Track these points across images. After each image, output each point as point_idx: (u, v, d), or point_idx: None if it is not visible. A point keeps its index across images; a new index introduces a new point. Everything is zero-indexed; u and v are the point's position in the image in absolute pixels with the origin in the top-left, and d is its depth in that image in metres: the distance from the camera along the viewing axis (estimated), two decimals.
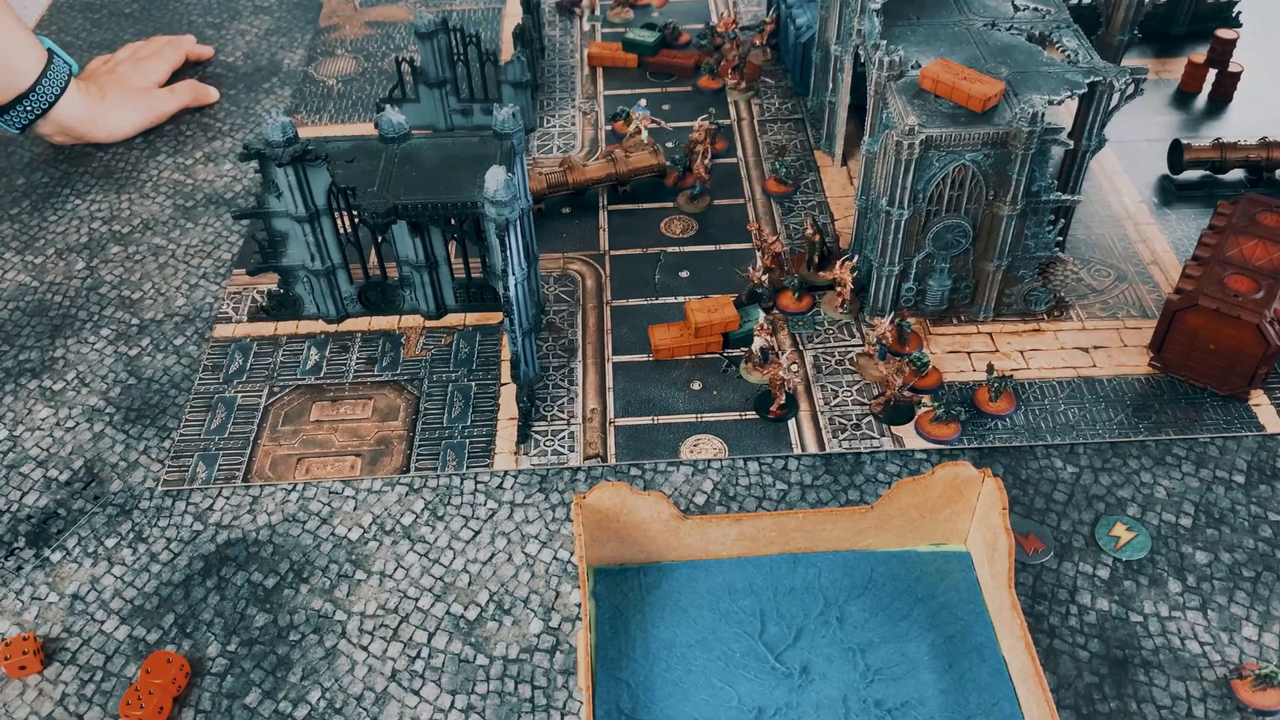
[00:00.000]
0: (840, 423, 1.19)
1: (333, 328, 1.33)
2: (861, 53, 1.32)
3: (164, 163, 1.60)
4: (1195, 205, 1.46)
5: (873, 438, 1.17)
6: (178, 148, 1.63)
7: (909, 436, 1.17)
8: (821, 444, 1.17)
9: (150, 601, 1.05)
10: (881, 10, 1.29)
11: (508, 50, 1.79)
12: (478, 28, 1.85)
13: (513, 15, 1.89)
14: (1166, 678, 0.97)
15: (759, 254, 1.32)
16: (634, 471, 1.15)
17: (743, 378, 1.25)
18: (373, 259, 1.36)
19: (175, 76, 1.75)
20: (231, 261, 1.43)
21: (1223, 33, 1.63)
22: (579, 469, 1.16)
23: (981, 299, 1.28)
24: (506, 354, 1.27)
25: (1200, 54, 1.67)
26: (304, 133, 1.45)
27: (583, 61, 1.78)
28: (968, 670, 0.95)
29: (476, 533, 1.10)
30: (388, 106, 1.41)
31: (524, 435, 1.18)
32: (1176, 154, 1.49)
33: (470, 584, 1.05)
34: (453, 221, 1.22)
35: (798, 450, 1.16)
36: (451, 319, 1.33)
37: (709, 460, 1.16)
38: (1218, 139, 1.49)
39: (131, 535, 1.10)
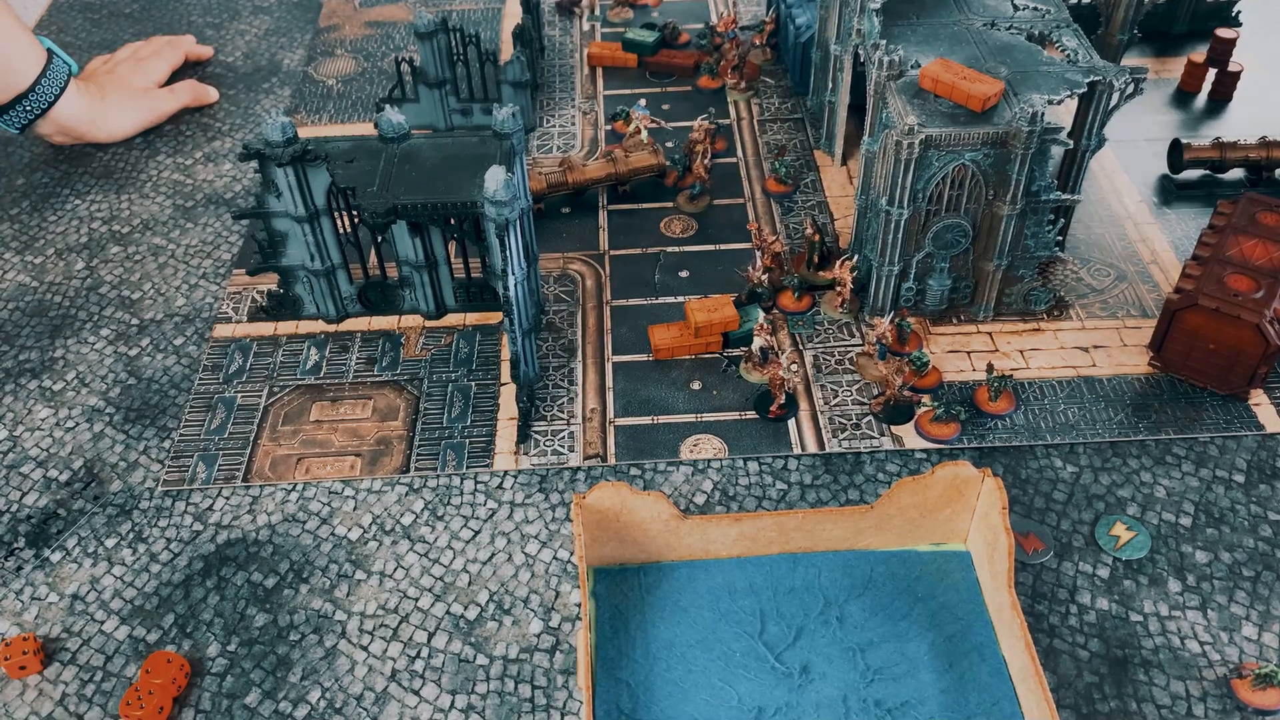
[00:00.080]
0: (840, 422, 1.19)
1: (332, 328, 1.33)
2: (861, 52, 1.32)
3: (164, 163, 1.60)
4: (1195, 205, 1.46)
5: (873, 437, 1.17)
6: (177, 148, 1.63)
7: (909, 436, 1.17)
8: (821, 444, 1.17)
9: (150, 601, 1.05)
10: (881, 10, 1.29)
11: (507, 50, 1.79)
12: (477, 28, 1.85)
13: (512, 15, 1.89)
14: (1166, 677, 0.97)
15: (759, 254, 1.32)
16: (634, 471, 1.15)
17: (742, 377, 1.25)
18: (372, 259, 1.36)
19: (175, 76, 1.75)
20: (231, 261, 1.43)
21: (1222, 32, 1.63)
22: (579, 469, 1.16)
23: (981, 299, 1.28)
24: (506, 354, 1.27)
25: (1200, 53, 1.67)
26: (304, 133, 1.45)
27: (582, 61, 1.78)
28: (968, 670, 0.95)
29: (476, 533, 1.10)
30: (387, 106, 1.41)
31: (524, 435, 1.18)
32: (1176, 153, 1.49)
33: (470, 584, 1.05)
34: (452, 221, 1.22)
35: (798, 450, 1.16)
36: (451, 319, 1.33)
37: (709, 460, 1.16)
38: (1217, 138, 1.49)
39: (131, 535, 1.11)
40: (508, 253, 1.11)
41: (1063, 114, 1.38)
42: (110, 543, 1.10)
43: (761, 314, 1.25)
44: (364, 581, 1.06)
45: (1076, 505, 1.11)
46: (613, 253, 1.42)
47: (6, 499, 1.15)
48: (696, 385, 1.24)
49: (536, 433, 1.19)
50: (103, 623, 1.03)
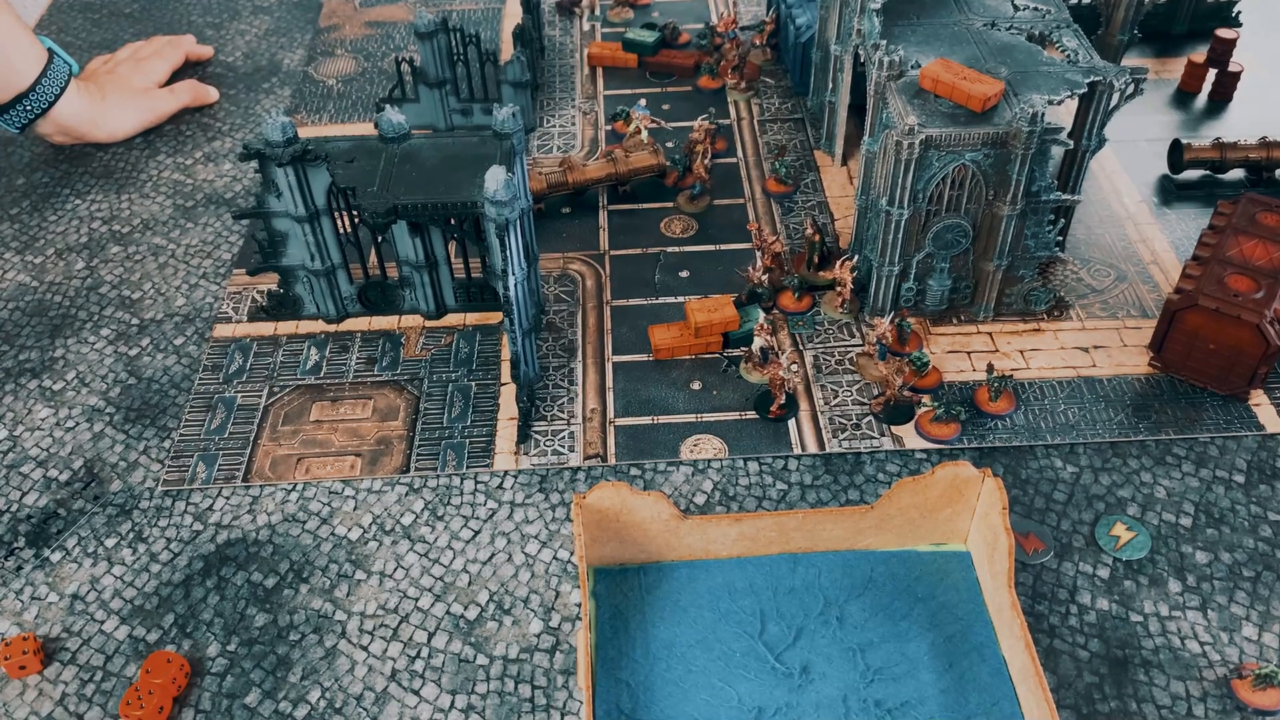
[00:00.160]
0: (840, 422, 1.19)
1: (333, 328, 1.33)
2: (861, 52, 1.32)
3: (164, 163, 1.60)
4: (1195, 205, 1.46)
5: (873, 437, 1.17)
6: (178, 148, 1.63)
7: (909, 436, 1.17)
8: (821, 444, 1.17)
9: (150, 601, 1.05)
10: (881, 10, 1.29)
11: (507, 50, 1.79)
12: (477, 28, 1.85)
13: (512, 15, 1.89)
14: (1166, 677, 0.97)
15: (759, 254, 1.32)
16: (634, 471, 1.15)
17: (743, 378, 1.25)
18: (373, 259, 1.36)
19: (175, 76, 1.75)
20: (231, 261, 1.43)
21: (1223, 32, 1.63)
22: (579, 469, 1.16)
23: (981, 299, 1.28)
24: (506, 354, 1.27)
25: (1200, 54, 1.67)
26: (304, 133, 1.45)
27: (583, 61, 1.78)
28: (968, 670, 0.95)
29: (476, 533, 1.10)
30: (388, 106, 1.41)
31: (524, 435, 1.18)
32: (1176, 154, 1.49)
33: (470, 584, 1.05)
34: (453, 221, 1.22)
35: (798, 450, 1.16)
36: (451, 319, 1.33)
37: (709, 460, 1.16)
38: (1218, 139, 1.49)
39: (131, 535, 1.10)
40: (508, 253, 1.11)
41: (1063, 114, 1.38)
42: (110, 542, 1.10)
43: (762, 314, 1.25)
44: (364, 581, 1.06)
45: (1076, 505, 1.11)
46: (613, 253, 1.42)
47: (6, 499, 1.15)
48: (697, 385, 1.24)
49: (536, 433, 1.19)
50: (103, 622, 1.03)
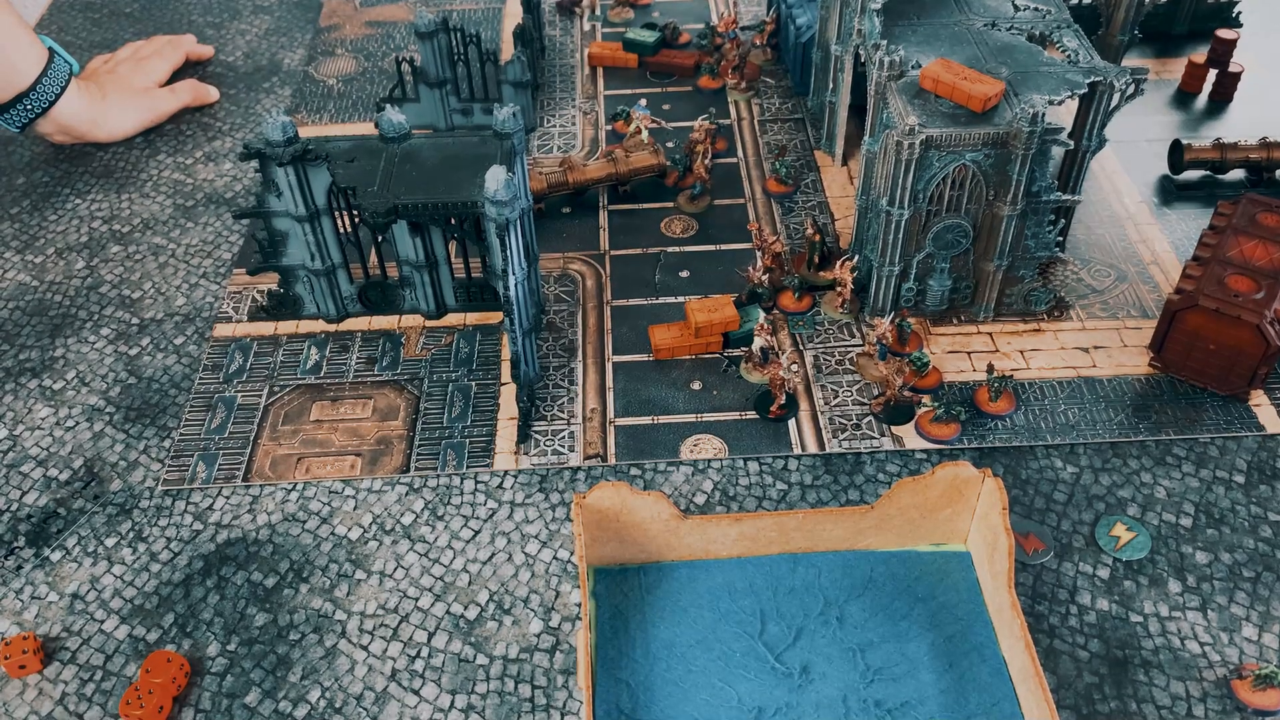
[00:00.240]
0: (840, 423, 1.19)
1: (333, 327, 1.33)
2: (862, 53, 1.32)
3: (164, 162, 1.60)
4: (1195, 205, 1.46)
5: (873, 438, 1.17)
6: (178, 147, 1.63)
7: (909, 436, 1.17)
8: (821, 444, 1.17)
9: (150, 601, 1.05)
10: (882, 10, 1.29)
11: (508, 50, 1.79)
12: (478, 27, 1.85)
13: (513, 15, 1.89)
14: (1166, 678, 0.97)
15: (759, 254, 1.32)
16: (634, 471, 1.15)
17: (743, 378, 1.25)
18: (373, 259, 1.36)
19: (176, 76, 1.75)
20: (231, 261, 1.43)
21: (1223, 33, 1.63)
22: (579, 469, 1.16)
23: (982, 299, 1.28)
24: (506, 354, 1.27)
25: (1201, 54, 1.67)
26: (304, 132, 1.45)
27: (583, 61, 1.78)
28: (968, 670, 0.95)
29: (476, 532, 1.10)
30: (388, 106, 1.41)
31: (524, 435, 1.18)
32: (1177, 154, 1.49)
33: (470, 584, 1.05)
34: (453, 221, 1.22)
35: (798, 450, 1.16)
36: (452, 319, 1.33)
37: (709, 460, 1.16)
38: (1218, 139, 1.49)
39: (131, 535, 1.10)
40: (508, 252, 1.11)
41: (1063, 114, 1.38)
42: (110, 542, 1.10)
43: (762, 314, 1.25)
44: (364, 581, 1.06)
45: (1077, 506, 1.11)
46: (613, 253, 1.42)
47: (7, 498, 1.15)
48: (697, 385, 1.24)
49: (537, 432, 1.19)
50: (103, 622, 1.03)
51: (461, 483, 1.14)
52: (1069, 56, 1.24)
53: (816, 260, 1.34)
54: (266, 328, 1.33)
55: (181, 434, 1.20)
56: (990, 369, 1.19)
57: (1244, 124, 1.60)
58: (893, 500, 1.00)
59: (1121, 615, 1.01)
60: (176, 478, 1.16)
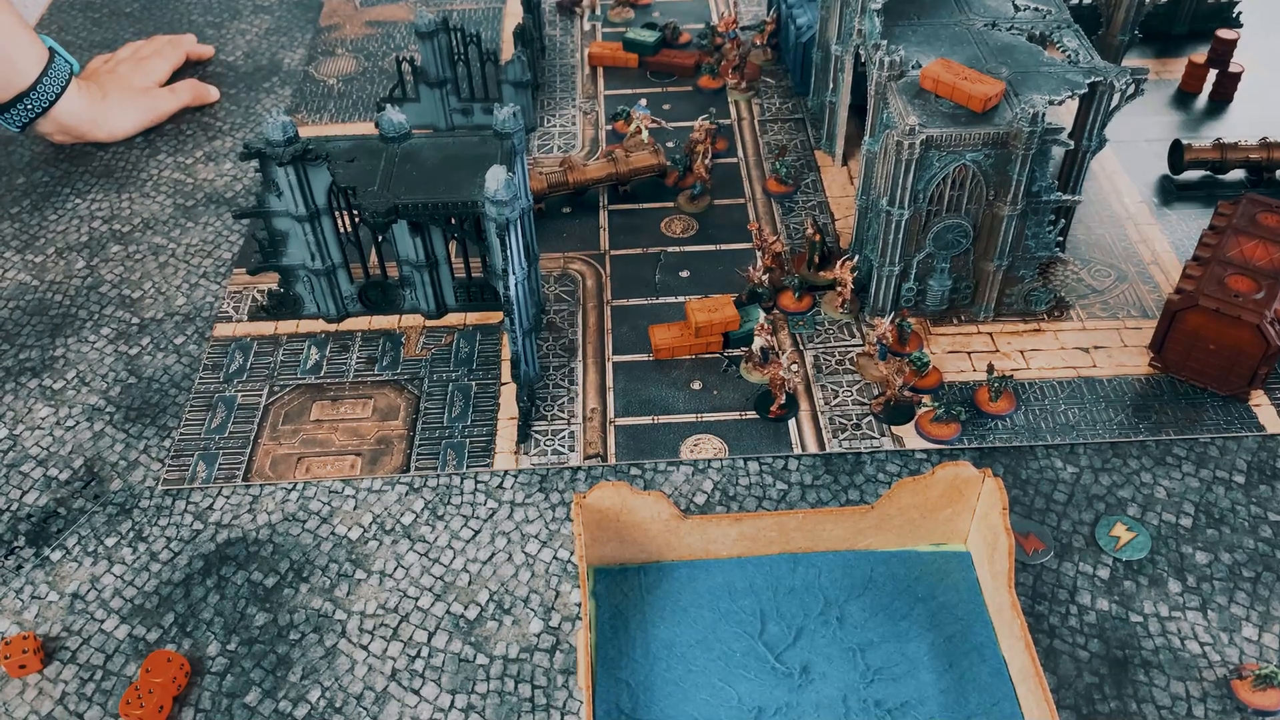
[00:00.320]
0: (840, 422, 1.19)
1: (333, 327, 1.33)
2: (862, 53, 1.32)
3: (164, 162, 1.60)
4: (1195, 205, 1.46)
5: (873, 438, 1.17)
6: (178, 147, 1.63)
7: (909, 436, 1.17)
8: (822, 444, 1.17)
9: (150, 601, 1.05)
10: (882, 10, 1.29)
11: (508, 50, 1.79)
12: (478, 27, 1.85)
13: (513, 15, 1.89)
14: (1166, 678, 0.97)
15: (759, 254, 1.32)
16: (634, 471, 1.15)
17: (743, 377, 1.25)
18: (373, 258, 1.36)
19: (176, 76, 1.75)
20: (232, 261, 1.43)
21: (1223, 33, 1.63)
22: (579, 469, 1.16)
23: (982, 299, 1.28)
24: (507, 353, 1.27)
25: (1201, 54, 1.67)
26: (304, 132, 1.45)
27: (583, 61, 1.78)
28: (968, 670, 0.95)
29: (476, 532, 1.10)
30: (388, 106, 1.42)
31: (524, 435, 1.18)
32: (1177, 154, 1.49)
33: (470, 583, 1.05)
34: (453, 221, 1.22)
35: (798, 450, 1.16)
36: (452, 318, 1.33)
37: (709, 460, 1.16)
38: (1218, 139, 1.49)
39: (131, 534, 1.11)
40: (508, 252, 1.11)
41: (1063, 114, 1.38)
42: (110, 542, 1.10)
43: (762, 314, 1.25)
44: (364, 581, 1.06)
45: (1077, 506, 1.11)
46: (613, 252, 1.42)
47: (7, 498, 1.15)
48: (697, 385, 1.24)
49: (537, 432, 1.19)
50: (103, 622, 1.03)
51: (461, 482, 1.14)
52: (1069, 56, 1.24)
53: (817, 260, 1.34)
54: (267, 327, 1.33)
55: (182, 434, 1.20)
56: (990, 369, 1.19)
57: (1244, 124, 1.60)
58: (893, 500, 1.00)
59: (1121, 615, 1.01)
60: (177, 477, 1.16)
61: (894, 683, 0.94)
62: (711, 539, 1.02)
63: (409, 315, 1.33)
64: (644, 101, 1.59)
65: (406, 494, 1.13)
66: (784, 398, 1.19)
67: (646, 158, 1.48)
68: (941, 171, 1.16)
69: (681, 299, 1.34)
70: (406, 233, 1.23)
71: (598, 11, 1.90)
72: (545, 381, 1.25)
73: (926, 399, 1.19)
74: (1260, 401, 1.20)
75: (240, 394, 1.24)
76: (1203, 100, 1.65)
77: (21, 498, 1.15)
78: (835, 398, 1.21)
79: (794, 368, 1.25)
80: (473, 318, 1.33)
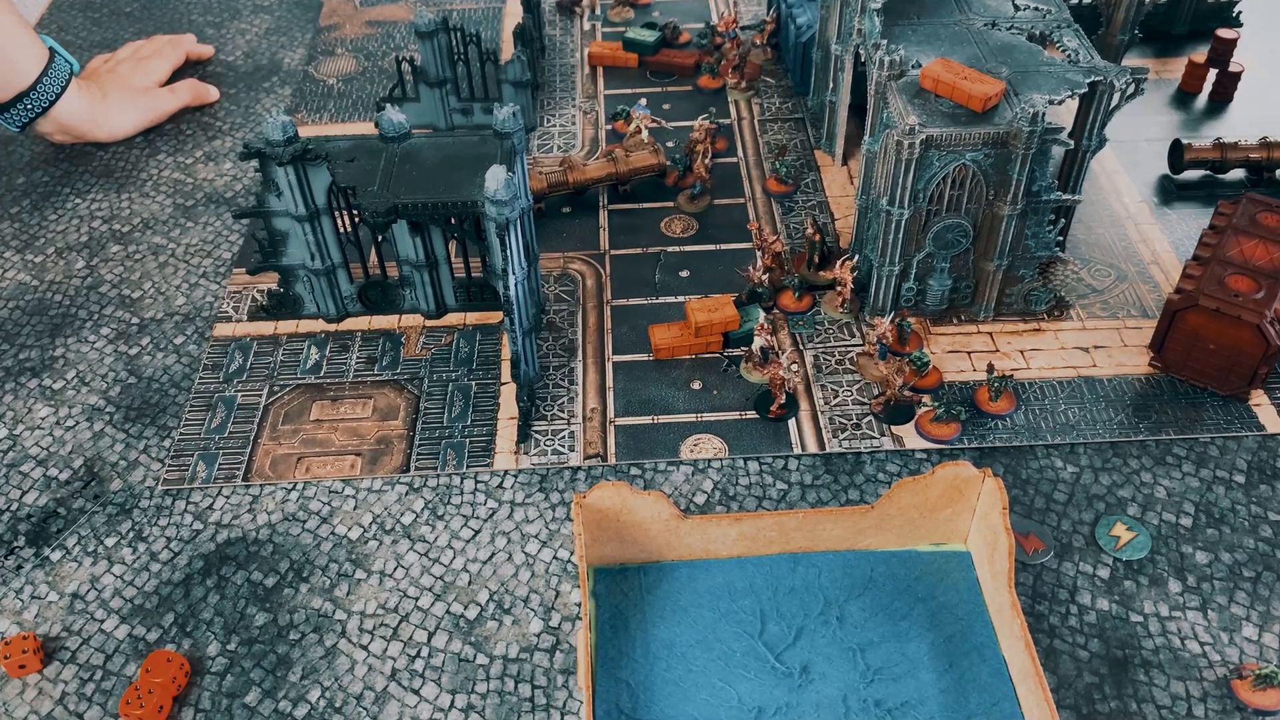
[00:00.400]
0: (840, 422, 1.19)
1: (333, 327, 1.33)
2: (862, 52, 1.32)
3: (164, 162, 1.60)
4: (1196, 205, 1.46)
5: (873, 437, 1.17)
6: (178, 147, 1.63)
7: (909, 436, 1.17)
8: (822, 444, 1.17)
9: (150, 600, 1.05)
10: (882, 10, 1.29)
11: (508, 49, 1.79)
12: (478, 27, 1.85)
13: (513, 14, 1.89)
14: (1166, 678, 0.97)
15: (759, 253, 1.32)
16: (634, 471, 1.15)
17: (743, 377, 1.25)
18: (373, 258, 1.36)
19: (176, 75, 1.75)
20: (231, 261, 1.43)
21: (1223, 32, 1.63)
22: (579, 468, 1.16)
23: (982, 299, 1.28)
24: (507, 353, 1.27)
25: (1201, 54, 1.67)
26: (304, 132, 1.45)
27: (583, 61, 1.78)
28: (968, 670, 0.95)
29: (476, 532, 1.10)
30: (388, 106, 1.42)
31: (524, 435, 1.18)
32: (1177, 154, 1.49)
33: (470, 583, 1.05)
34: (453, 221, 1.22)
35: (798, 450, 1.16)
36: (452, 318, 1.33)
37: (709, 460, 1.16)
38: (1218, 139, 1.49)
39: (131, 534, 1.10)
40: (508, 252, 1.11)
41: (1063, 114, 1.38)
42: (110, 542, 1.10)
43: (762, 314, 1.25)
44: (364, 581, 1.06)
45: (1077, 505, 1.11)
46: (613, 252, 1.42)
47: (7, 498, 1.15)
48: (697, 385, 1.24)
49: (537, 432, 1.19)
50: (103, 622, 1.03)
51: (461, 482, 1.14)
52: (1069, 56, 1.24)
53: (816, 260, 1.34)
54: (266, 327, 1.33)
55: (181, 433, 1.20)
56: (990, 369, 1.19)
57: (1244, 124, 1.60)
58: (893, 500, 1.00)
59: (1121, 615, 1.01)
60: (176, 477, 1.16)
61: (894, 682, 0.94)
62: (711, 539, 1.02)
63: (409, 315, 1.33)
64: (644, 101, 1.59)
65: (406, 494, 1.13)
66: (784, 397, 1.19)
67: (646, 157, 1.48)
68: (941, 171, 1.16)
69: (681, 299, 1.34)
70: (406, 232, 1.23)
71: (597, 11, 1.90)
72: (545, 381, 1.24)
73: (926, 399, 1.19)
74: (1260, 401, 1.19)
75: (240, 394, 1.24)
76: (1203, 100, 1.65)
77: (21, 498, 1.15)
78: (835, 397, 1.21)
79: (794, 367, 1.25)
80: (473, 317, 1.33)
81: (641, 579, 1.02)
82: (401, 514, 1.11)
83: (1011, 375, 1.19)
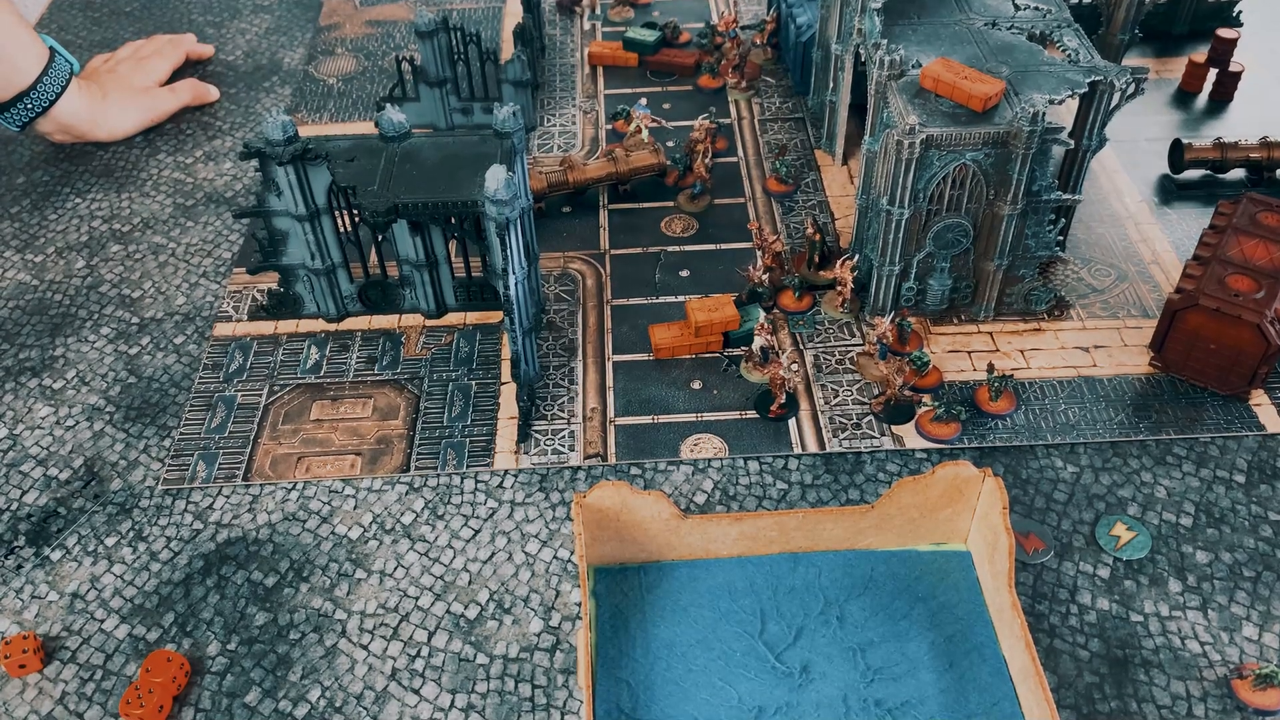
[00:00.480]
0: (840, 422, 1.19)
1: (333, 326, 1.33)
2: (862, 52, 1.31)
3: (164, 161, 1.60)
4: (1196, 205, 1.46)
5: (873, 437, 1.17)
6: (178, 146, 1.63)
7: (909, 436, 1.17)
8: (822, 443, 1.17)
9: (150, 600, 1.05)
10: (882, 9, 1.29)
11: (508, 49, 1.79)
12: (478, 26, 1.85)
13: (513, 14, 1.89)
14: (1167, 677, 0.97)
15: (759, 253, 1.32)
16: (634, 471, 1.15)
17: (743, 377, 1.24)
18: (373, 258, 1.36)
19: (176, 75, 1.75)
20: (232, 260, 1.43)
21: (1223, 32, 1.63)
22: (579, 468, 1.16)
23: (982, 298, 1.28)
24: (507, 353, 1.27)
25: (1201, 53, 1.67)
26: (304, 131, 1.45)
27: (583, 60, 1.78)
28: (968, 670, 0.95)
29: (477, 532, 1.10)
30: (388, 105, 1.42)
31: (524, 434, 1.18)
32: (1177, 153, 1.49)
33: (470, 583, 1.05)
34: (453, 220, 1.22)
35: (798, 449, 1.16)
36: (452, 318, 1.33)
37: (709, 459, 1.16)
38: (1218, 138, 1.49)
39: (131, 534, 1.10)
40: (508, 252, 1.11)
41: (1064, 114, 1.38)
42: (110, 541, 1.10)
43: (762, 313, 1.25)
44: (364, 580, 1.06)
45: (1077, 505, 1.11)
46: (613, 252, 1.42)
47: (7, 497, 1.15)
48: (697, 385, 1.24)
49: (537, 432, 1.19)
50: (103, 621, 1.03)
51: (462, 482, 1.14)
52: (1069, 56, 1.24)
53: (817, 259, 1.34)
54: (266, 327, 1.33)
55: (181, 433, 1.20)
56: (990, 368, 1.19)
57: (1244, 123, 1.60)
58: (893, 500, 1.00)
59: (1122, 615, 1.01)
60: (176, 477, 1.16)
61: (894, 682, 0.94)
62: (712, 538, 1.02)
63: (409, 315, 1.33)
64: (644, 101, 1.59)
65: (406, 493, 1.13)
66: (784, 397, 1.19)
67: (646, 157, 1.48)
68: (942, 171, 1.16)
69: (681, 298, 1.34)
70: (406, 232, 1.23)
71: (598, 11, 1.90)
72: (545, 381, 1.24)
73: (927, 398, 1.19)
74: (1260, 401, 1.19)
75: (240, 393, 1.24)
76: (1203, 99, 1.65)
77: (21, 497, 1.15)
78: (835, 397, 1.21)
79: (794, 367, 1.25)
80: (473, 317, 1.33)
81: (642, 578, 1.02)
82: (402, 514, 1.11)
83: (1012, 375, 1.19)
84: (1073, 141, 1.25)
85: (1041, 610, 1.02)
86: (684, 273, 1.38)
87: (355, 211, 1.24)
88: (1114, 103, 1.23)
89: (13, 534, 1.11)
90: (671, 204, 1.49)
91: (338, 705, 0.97)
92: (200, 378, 1.26)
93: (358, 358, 1.28)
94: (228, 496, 1.14)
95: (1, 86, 1.48)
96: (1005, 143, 1.14)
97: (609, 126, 1.63)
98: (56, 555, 1.09)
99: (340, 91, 1.73)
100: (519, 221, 1.14)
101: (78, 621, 1.03)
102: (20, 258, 1.44)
